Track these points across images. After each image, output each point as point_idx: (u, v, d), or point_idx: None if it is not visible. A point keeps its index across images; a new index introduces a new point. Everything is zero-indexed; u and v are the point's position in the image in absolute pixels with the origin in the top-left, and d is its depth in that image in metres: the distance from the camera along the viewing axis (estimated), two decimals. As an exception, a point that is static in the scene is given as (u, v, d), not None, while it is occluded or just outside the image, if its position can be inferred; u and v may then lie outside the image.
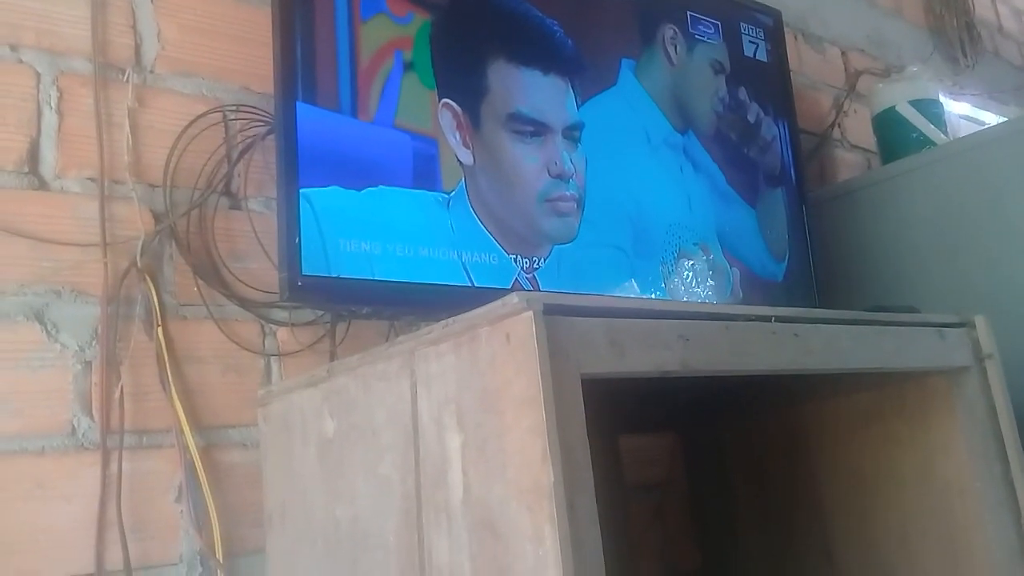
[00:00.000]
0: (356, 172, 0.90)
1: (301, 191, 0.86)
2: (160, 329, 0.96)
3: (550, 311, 0.66)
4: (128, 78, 1.02)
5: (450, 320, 0.72)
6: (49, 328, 0.91)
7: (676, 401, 1.21)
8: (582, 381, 0.67)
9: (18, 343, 0.89)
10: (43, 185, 0.94)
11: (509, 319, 0.66)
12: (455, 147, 0.98)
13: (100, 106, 0.99)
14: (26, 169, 0.93)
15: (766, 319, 0.85)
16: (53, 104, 0.97)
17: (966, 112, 2.34)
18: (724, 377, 0.97)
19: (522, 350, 0.65)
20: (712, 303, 1.14)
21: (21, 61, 0.96)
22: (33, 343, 0.90)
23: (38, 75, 0.96)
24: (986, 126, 2.08)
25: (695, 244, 1.17)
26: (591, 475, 0.65)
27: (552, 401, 0.64)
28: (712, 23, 1.30)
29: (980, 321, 1.00)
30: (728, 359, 0.80)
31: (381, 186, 0.91)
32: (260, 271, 1.05)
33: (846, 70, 2.07)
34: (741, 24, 1.35)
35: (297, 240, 0.83)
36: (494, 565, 0.66)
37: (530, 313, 0.65)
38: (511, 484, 0.65)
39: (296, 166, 0.86)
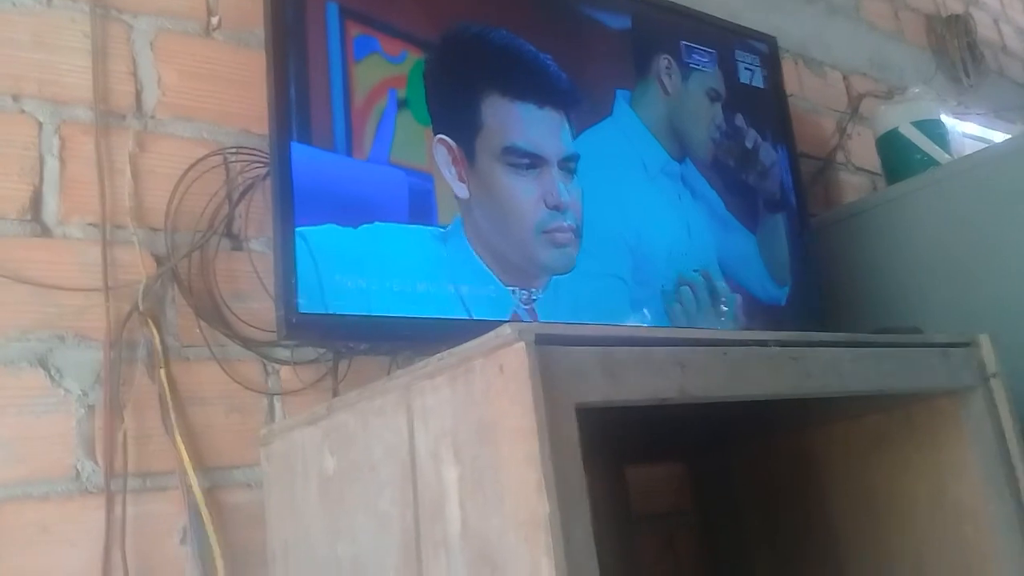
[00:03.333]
0: (351, 209, 0.90)
1: (297, 230, 0.86)
2: (163, 371, 0.97)
3: (542, 341, 0.66)
4: (129, 124, 1.03)
5: (445, 353, 0.72)
6: (52, 373, 0.92)
7: (683, 430, 1.20)
8: (578, 411, 0.67)
9: (22, 389, 0.90)
10: (46, 232, 0.96)
11: (502, 350, 0.67)
12: (451, 181, 0.99)
13: (102, 152, 1.00)
14: (29, 217, 0.95)
15: (764, 344, 0.84)
16: (55, 152, 0.98)
17: (974, 132, 2.34)
18: (726, 404, 0.96)
19: (515, 381, 0.65)
20: (709, 329, 1.14)
21: (23, 111, 0.98)
22: (37, 389, 0.91)
23: (40, 124, 0.98)
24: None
25: (695, 271, 1.17)
26: (587, 505, 0.64)
27: (546, 431, 0.64)
28: (707, 51, 1.31)
29: (984, 340, 0.99)
30: (726, 385, 0.79)
31: (377, 222, 0.92)
32: (262, 310, 1.06)
33: (848, 93, 2.08)
34: (736, 51, 1.36)
35: (293, 278, 0.84)
36: (492, 599, 0.65)
37: (522, 344, 0.65)
38: (508, 516, 0.65)
39: (292, 205, 0.87)
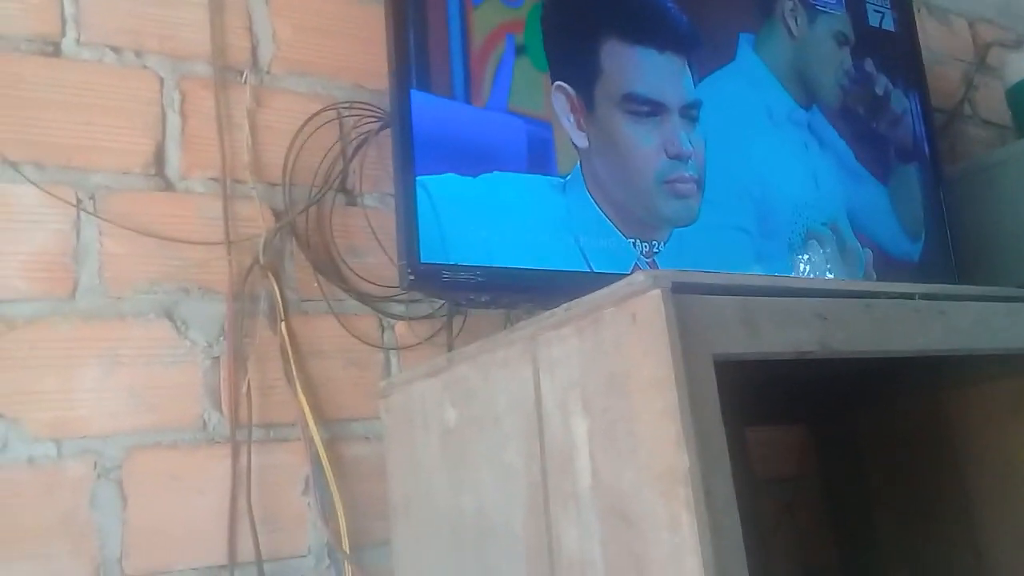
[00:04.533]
0: (471, 158, 0.88)
1: (417, 179, 0.85)
2: (284, 324, 0.98)
3: (679, 289, 0.63)
4: (246, 79, 1.04)
5: (572, 303, 0.69)
6: (179, 325, 0.93)
7: (806, 389, 1.16)
8: (714, 363, 0.63)
9: (150, 340, 0.92)
10: (169, 186, 0.97)
11: (635, 298, 0.64)
12: (569, 130, 0.95)
13: (221, 108, 1.01)
14: (152, 171, 0.96)
15: (909, 296, 0.79)
16: (176, 107, 0.99)
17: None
18: (859, 362, 0.91)
19: (650, 330, 0.62)
20: (851, 280, 1.08)
21: (145, 67, 0.99)
22: (164, 340, 0.92)
23: (161, 79, 0.99)
24: None
25: (824, 224, 1.11)
26: (728, 459, 0.61)
27: (684, 383, 0.61)
28: (834, -8, 1.23)
29: None
30: (870, 339, 0.75)
31: (496, 172, 0.90)
32: (377, 266, 1.06)
33: (974, 42, 1.95)
34: (865, -8, 1.28)
35: (415, 228, 0.83)
36: (627, 553, 0.63)
37: (657, 291, 0.62)
38: (643, 470, 0.62)
39: (412, 154, 0.85)
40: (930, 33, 1.84)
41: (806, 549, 1.30)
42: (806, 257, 1.08)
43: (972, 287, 0.83)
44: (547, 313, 0.72)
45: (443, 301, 1.06)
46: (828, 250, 1.10)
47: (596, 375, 0.67)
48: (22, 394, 0.85)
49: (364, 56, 1.10)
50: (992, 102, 1.81)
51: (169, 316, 0.93)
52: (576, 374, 0.69)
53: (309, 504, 0.95)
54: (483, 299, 0.91)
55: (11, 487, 0.82)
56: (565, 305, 0.70)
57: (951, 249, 1.25)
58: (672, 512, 0.60)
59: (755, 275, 0.99)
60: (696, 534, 0.58)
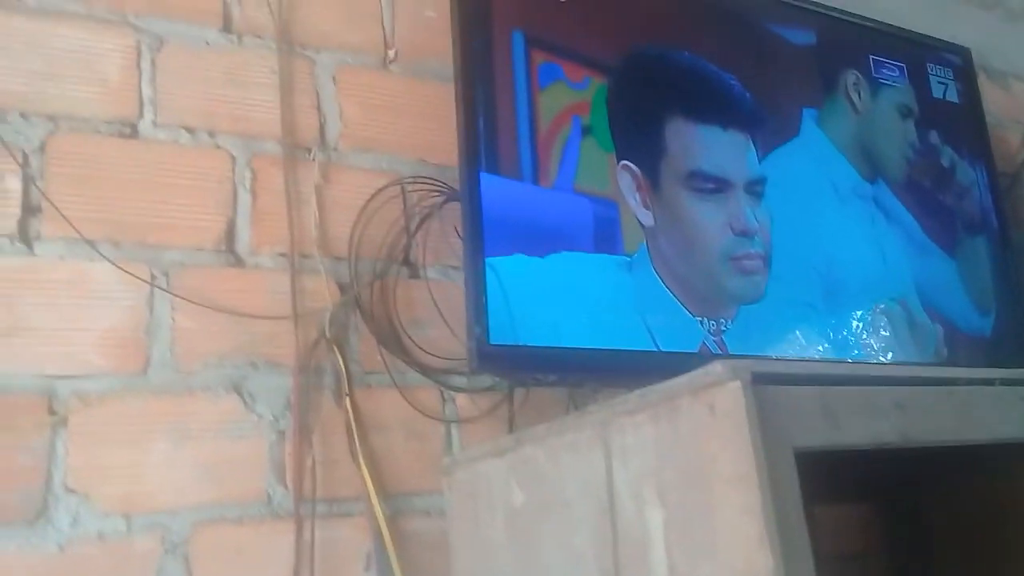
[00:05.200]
0: (539, 239, 0.89)
1: (487, 260, 0.86)
2: (348, 398, 0.98)
3: (758, 380, 0.62)
4: (314, 156, 1.06)
5: (647, 390, 0.69)
6: (246, 399, 0.94)
7: (876, 469, 1.12)
8: (795, 456, 0.62)
9: (219, 414, 0.92)
10: (239, 262, 0.99)
11: (713, 389, 0.63)
12: (635, 209, 0.96)
13: (290, 185, 1.03)
14: (223, 247, 0.98)
15: (990, 382, 0.77)
16: (247, 185, 1.01)
17: None
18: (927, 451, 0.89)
19: (729, 422, 0.61)
20: (930, 366, 1.06)
21: (218, 146, 1.01)
22: (232, 413, 0.93)
23: (233, 158, 1.02)
24: None
25: (893, 299, 1.09)
26: (812, 559, 0.60)
27: (766, 478, 0.59)
28: (896, 66, 1.23)
29: None
30: (950, 428, 0.73)
31: (563, 251, 0.90)
32: (438, 338, 1.06)
33: (1031, 102, 1.92)
34: (928, 64, 1.27)
35: (484, 309, 0.83)
36: (708, 656, 0.61)
37: (737, 383, 0.61)
38: (723, 568, 0.61)
39: (481, 235, 0.86)
40: (988, 97, 1.81)
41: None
42: (876, 334, 1.06)
43: (1055, 371, 0.81)
44: (620, 399, 0.71)
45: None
46: (898, 326, 1.08)
47: (672, 466, 0.66)
48: (94, 469, 0.86)
49: (427, 132, 1.12)
50: (1054, 165, 1.78)
51: (237, 390, 0.94)
52: (651, 463, 0.68)
53: (371, 581, 0.94)
54: (550, 379, 0.91)
55: (82, 561, 0.83)
56: (639, 392, 0.69)
57: (1024, 322, 1.22)
58: (755, 613, 0.58)
59: (833, 363, 0.97)
60: (781, 638, 0.56)
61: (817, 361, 0.88)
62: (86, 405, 0.87)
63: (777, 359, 0.64)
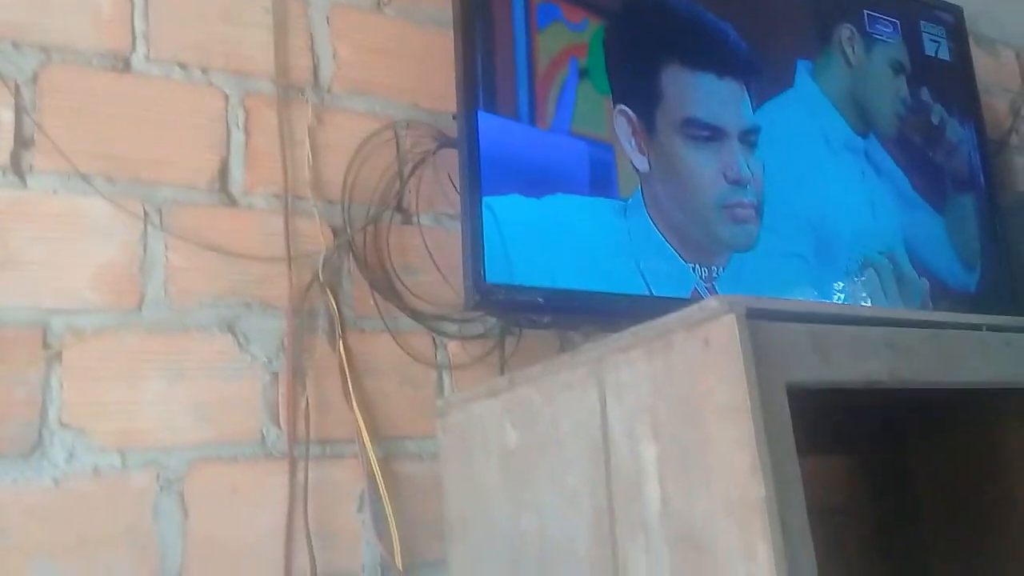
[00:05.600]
0: (535, 180, 0.89)
1: (484, 198, 0.86)
2: (342, 341, 0.98)
3: (753, 315, 0.63)
4: (307, 98, 1.05)
5: (640, 327, 0.70)
6: (240, 339, 0.94)
7: (859, 419, 1.15)
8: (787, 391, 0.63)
9: (213, 353, 0.93)
10: (232, 202, 0.98)
11: (708, 323, 0.64)
12: (631, 153, 0.96)
13: (283, 125, 1.02)
14: (217, 186, 0.98)
15: (976, 327, 0.78)
16: (240, 124, 1.01)
17: None
18: (919, 392, 0.91)
19: (724, 356, 0.62)
20: (918, 310, 1.08)
21: (211, 84, 1.00)
22: (226, 354, 0.93)
23: (226, 96, 1.01)
24: None
25: (881, 253, 1.11)
26: (801, 489, 0.61)
27: (759, 411, 0.60)
28: (891, 22, 1.23)
29: None
30: (937, 370, 0.74)
31: (559, 193, 0.90)
32: (431, 284, 1.06)
33: (1022, 72, 1.93)
34: (921, 22, 1.27)
35: (480, 248, 0.84)
36: (700, 582, 0.63)
37: (732, 316, 0.62)
38: (716, 498, 0.62)
39: (479, 174, 0.86)
40: (978, 63, 1.82)
41: (853, 580, 1.28)
42: (864, 286, 1.08)
43: (1039, 319, 0.83)
44: (614, 336, 0.72)
45: (497, 321, 1.07)
46: (886, 279, 1.09)
47: (666, 401, 0.67)
48: (89, 404, 0.86)
49: (421, 77, 1.11)
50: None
51: (231, 330, 0.94)
52: (645, 399, 0.69)
53: (364, 521, 0.95)
54: (544, 320, 0.92)
55: (77, 496, 0.83)
56: (633, 329, 0.70)
57: (1008, 279, 1.24)
58: (747, 542, 0.59)
59: (825, 303, 0.99)
60: (772, 564, 0.58)
61: (810, 301, 0.89)
62: (80, 340, 0.87)
63: (773, 298, 0.64)
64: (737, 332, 0.62)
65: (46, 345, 0.85)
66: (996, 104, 1.83)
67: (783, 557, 0.58)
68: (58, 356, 0.86)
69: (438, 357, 1.06)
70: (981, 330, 0.79)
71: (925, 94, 1.24)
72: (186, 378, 0.91)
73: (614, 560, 0.70)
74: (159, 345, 0.90)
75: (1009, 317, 0.82)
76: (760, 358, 0.62)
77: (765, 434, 0.60)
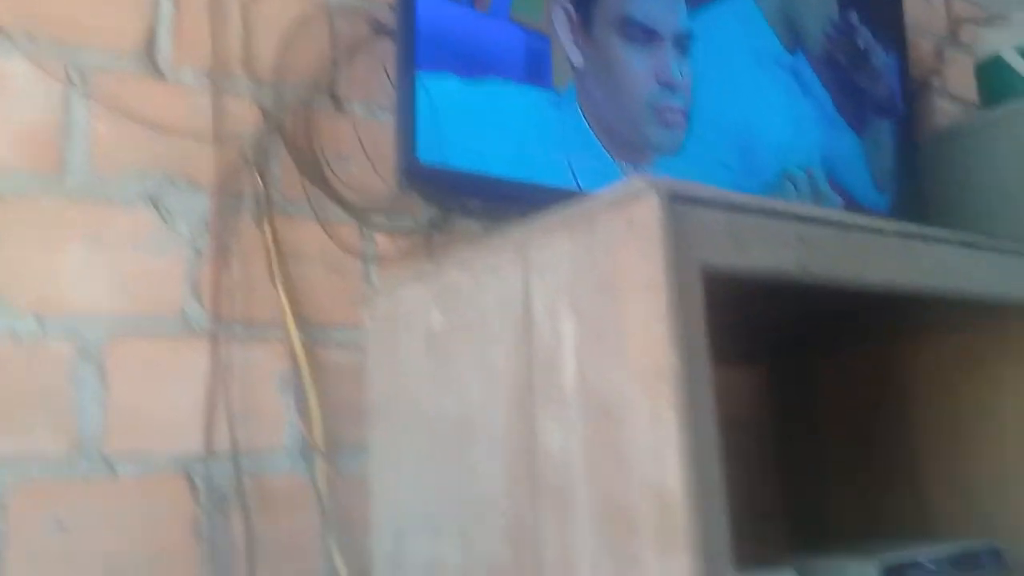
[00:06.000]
0: (471, 61, 0.89)
1: (418, 74, 0.86)
2: (268, 224, 0.98)
3: (674, 198, 0.65)
4: (240, -27, 1.02)
5: (565, 208, 0.71)
6: (164, 214, 0.93)
7: (764, 330, 1.20)
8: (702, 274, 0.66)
9: (136, 226, 0.91)
10: (159, 75, 0.96)
11: (632, 203, 0.66)
12: (567, 46, 0.96)
13: (214, -1, 1.00)
14: (144, 56, 0.95)
15: (882, 232, 0.82)
16: (169, -5, 0.98)
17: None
18: (823, 299, 0.95)
19: (644, 235, 0.65)
20: (831, 209, 1.12)
21: (139, -49, 0.97)
22: (149, 228, 0.92)
23: (155, -36, 0.97)
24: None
25: (800, 168, 1.14)
26: (709, 364, 0.64)
27: (675, 288, 0.63)
28: (827, -59, 1.25)
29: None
30: (845, 267, 0.78)
31: (494, 77, 0.90)
32: (361, 175, 1.06)
33: (948, 17, 1.98)
34: (856, -54, 1.30)
35: (413, 124, 0.84)
36: (609, 447, 0.66)
37: (655, 198, 0.64)
38: (629, 369, 0.65)
39: (415, 48, 0.85)
40: (906, 4, 1.87)
41: (753, 491, 1.35)
42: (783, 198, 1.12)
43: (939, 230, 0.87)
44: (539, 217, 0.74)
45: (426, 216, 1.08)
46: (803, 193, 1.13)
47: (587, 278, 0.69)
48: (6, 267, 0.84)
49: (360, -38, 1.09)
50: (961, 78, 1.86)
51: (155, 205, 0.93)
52: (566, 277, 0.71)
53: (286, 403, 0.97)
54: (472, 206, 0.93)
55: (-8, 359, 0.83)
56: (557, 209, 0.72)
57: (918, 205, 1.30)
58: (655, 409, 0.63)
59: (743, 194, 1.02)
60: (677, 429, 0.61)
61: (729, 192, 0.92)
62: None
63: (694, 183, 0.67)
64: (660, 212, 0.64)
65: (-39, 205, 0.83)
66: (922, 45, 1.88)
67: (688, 423, 0.61)
68: (-27, 218, 0.84)
69: (365, 249, 1.06)
70: (887, 234, 0.83)
71: (854, 18, 1.27)
72: (107, 249, 0.90)
73: (530, 432, 0.73)
74: (80, 213, 0.89)
75: (915, 225, 0.86)
76: (679, 239, 0.64)
77: (679, 309, 0.63)
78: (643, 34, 1.00)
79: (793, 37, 1.19)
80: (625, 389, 0.65)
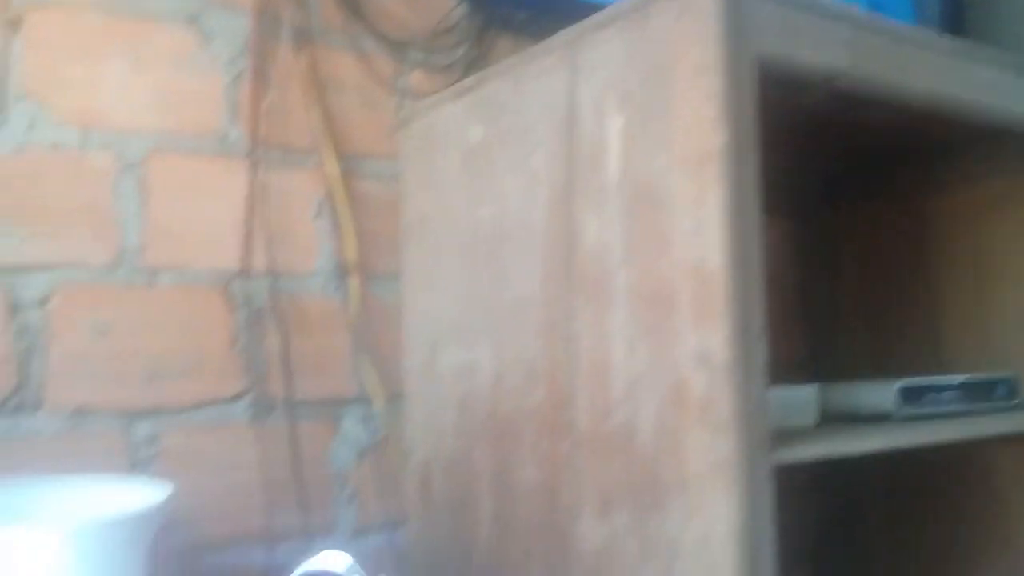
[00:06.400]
0: None
1: None
2: (307, 52, 0.97)
3: (728, -14, 0.64)
4: None
5: (617, 3, 0.70)
6: (204, 34, 0.92)
7: (791, 181, 1.19)
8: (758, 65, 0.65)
9: (176, 44, 0.91)
10: None
11: (686, -10, 0.65)
12: None
13: None
14: None
15: (932, 46, 0.81)
16: None
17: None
18: (857, 138, 0.94)
19: (699, 22, 0.64)
20: (884, 18, 1.10)
21: None
22: (189, 47, 0.92)
23: None
24: None
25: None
26: (758, 147, 0.64)
27: (729, 72, 0.63)
28: None
29: None
30: (892, 74, 0.77)
31: None
32: (400, 9, 1.05)
33: None
34: None
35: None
36: (650, 232, 0.66)
37: (710, -16, 0.63)
38: (675, 154, 0.65)
39: None
40: None
41: (777, 340, 1.35)
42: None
43: (994, 50, 0.86)
44: (590, 17, 0.73)
45: (463, 50, 1.07)
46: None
47: (637, 69, 0.68)
48: (50, 78, 0.84)
49: None
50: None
51: (194, 24, 0.92)
52: (616, 72, 0.70)
53: (320, 229, 0.97)
54: (520, 17, 0.91)
55: (38, 166, 0.83)
56: (610, 6, 0.71)
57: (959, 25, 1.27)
58: (700, 191, 0.63)
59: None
60: (721, 210, 0.61)
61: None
62: (41, 7, 0.84)
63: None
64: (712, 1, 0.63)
65: (7, 6, 0.83)
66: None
67: (732, 205, 0.62)
68: (19, 22, 0.83)
69: (400, 83, 1.05)
70: (938, 50, 0.81)
71: None
72: (147, 66, 0.89)
73: (569, 229, 0.74)
74: (120, 27, 0.88)
75: (965, 42, 0.85)
76: (733, 28, 0.64)
77: (731, 91, 0.63)
78: None
79: None
80: (670, 174, 0.65)
